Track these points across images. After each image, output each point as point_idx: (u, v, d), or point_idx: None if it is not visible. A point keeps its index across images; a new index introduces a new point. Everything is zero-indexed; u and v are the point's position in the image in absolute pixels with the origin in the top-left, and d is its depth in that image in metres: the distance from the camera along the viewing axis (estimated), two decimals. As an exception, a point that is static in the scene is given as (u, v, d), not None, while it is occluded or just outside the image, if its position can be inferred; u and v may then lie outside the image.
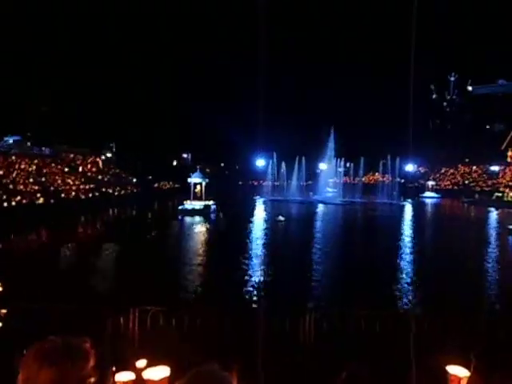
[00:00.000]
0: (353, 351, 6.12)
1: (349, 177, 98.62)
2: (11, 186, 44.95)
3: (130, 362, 3.43)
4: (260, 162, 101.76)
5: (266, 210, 52.75)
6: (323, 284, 17.57)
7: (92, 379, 1.60)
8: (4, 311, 7.04)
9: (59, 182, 55.07)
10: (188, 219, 41.10)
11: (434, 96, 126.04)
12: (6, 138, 64.41)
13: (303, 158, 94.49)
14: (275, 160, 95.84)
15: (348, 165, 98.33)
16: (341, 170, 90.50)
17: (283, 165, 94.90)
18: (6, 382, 1.83)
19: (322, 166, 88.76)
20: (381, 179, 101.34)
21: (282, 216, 39.61)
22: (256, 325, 7.30)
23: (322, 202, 65.52)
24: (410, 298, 15.73)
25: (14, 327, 6.61)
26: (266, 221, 41.46)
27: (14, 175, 51.16)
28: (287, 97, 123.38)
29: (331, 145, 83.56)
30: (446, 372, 3.39)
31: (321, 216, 51.24)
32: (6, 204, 36.35)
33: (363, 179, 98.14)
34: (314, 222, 42.46)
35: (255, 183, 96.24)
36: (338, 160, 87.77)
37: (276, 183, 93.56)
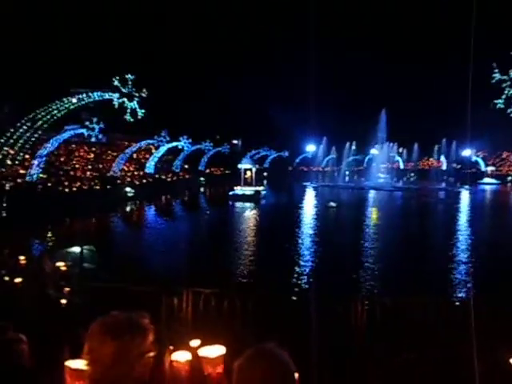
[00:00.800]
0: (408, 339, 5.97)
1: (402, 162, 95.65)
2: (72, 173, 47.31)
3: (184, 342, 3.52)
4: (310, 148, 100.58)
5: (316, 196, 52.30)
6: (376, 271, 17.24)
7: (151, 354, 1.66)
8: (67, 289, 7.46)
9: (114, 168, 57.15)
10: (238, 204, 41.55)
11: (495, 75, 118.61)
12: (66, 127, 67.69)
13: (354, 143, 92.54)
14: (325, 145, 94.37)
15: (401, 150, 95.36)
16: (393, 155, 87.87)
17: (334, 150, 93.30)
18: (73, 354, 1.95)
19: (374, 151, 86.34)
20: (435, 164, 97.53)
21: (334, 202, 39.09)
22: (306, 309, 7.30)
23: (373, 188, 64.04)
24: (469, 287, 15.12)
25: (78, 304, 6.99)
26: (316, 207, 41.13)
27: (73, 162, 53.84)
28: (339, 81, 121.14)
29: (383, 129, 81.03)
30: (510, 364, 3.24)
31: (372, 202, 50.17)
32: (67, 190, 38.37)
33: (417, 164, 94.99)
34: (366, 209, 41.66)
35: (305, 169, 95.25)
36: (391, 145, 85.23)
37: (327, 169, 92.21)
